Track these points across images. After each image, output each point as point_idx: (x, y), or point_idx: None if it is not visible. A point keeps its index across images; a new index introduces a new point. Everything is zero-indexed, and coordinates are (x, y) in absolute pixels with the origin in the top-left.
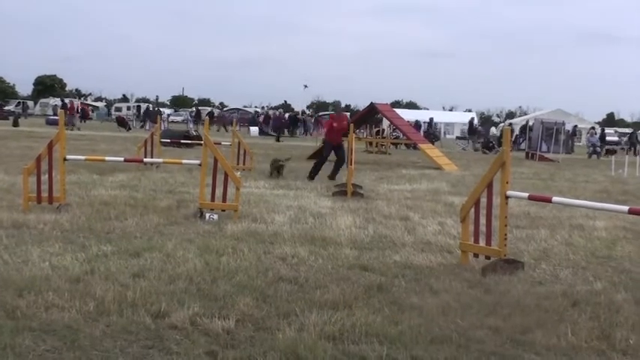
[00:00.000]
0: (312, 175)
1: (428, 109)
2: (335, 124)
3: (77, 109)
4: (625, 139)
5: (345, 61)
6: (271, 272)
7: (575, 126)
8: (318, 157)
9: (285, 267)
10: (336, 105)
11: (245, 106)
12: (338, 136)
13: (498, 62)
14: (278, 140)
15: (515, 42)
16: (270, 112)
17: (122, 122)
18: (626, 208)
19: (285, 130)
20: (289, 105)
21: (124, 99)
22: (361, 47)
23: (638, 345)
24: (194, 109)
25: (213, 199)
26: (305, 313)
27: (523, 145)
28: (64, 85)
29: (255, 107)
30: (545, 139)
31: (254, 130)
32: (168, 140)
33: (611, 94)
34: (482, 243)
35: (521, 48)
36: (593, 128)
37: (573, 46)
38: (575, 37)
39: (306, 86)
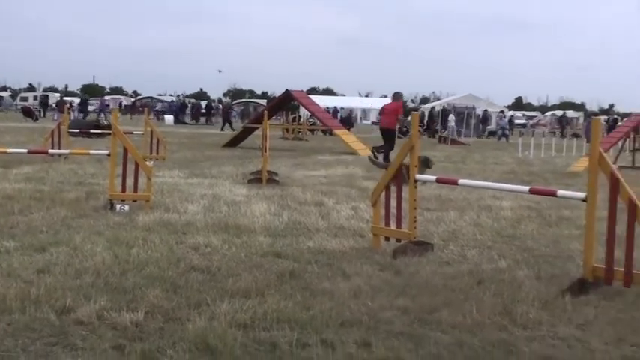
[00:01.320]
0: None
1: (345, 96)
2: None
3: None
4: (532, 121)
5: (262, 48)
6: (183, 262)
7: (486, 110)
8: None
9: (197, 256)
10: (396, 94)
11: (159, 94)
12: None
13: (413, 48)
14: (233, 129)
15: (429, 28)
16: (189, 101)
17: (29, 113)
18: (526, 188)
19: (203, 119)
20: (205, 93)
21: (31, 88)
22: (277, 34)
23: (537, 318)
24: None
25: (124, 190)
26: (216, 302)
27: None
28: None
29: (170, 95)
30: (457, 123)
31: (169, 118)
32: (77, 130)
33: (519, 79)
34: (393, 226)
35: (435, 34)
36: (502, 112)
37: (483, 32)
38: (484, 23)
39: (220, 71)
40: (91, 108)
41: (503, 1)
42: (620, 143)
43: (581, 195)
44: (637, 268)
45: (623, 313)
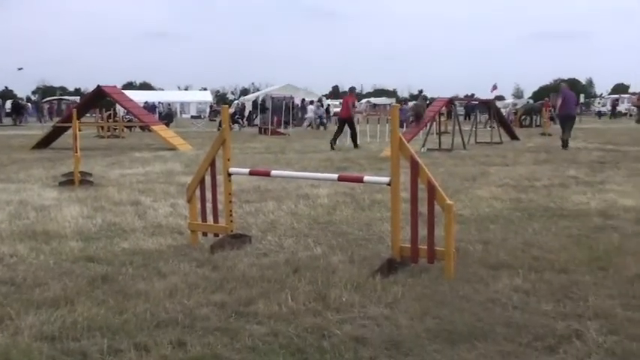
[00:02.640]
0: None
1: (163, 90)
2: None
3: None
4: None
5: (71, 42)
6: None
7: (303, 99)
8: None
9: (0, 268)
10: (351, 89)
11: None
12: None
13: (229, 40)
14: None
15: (244, 20)
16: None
17: None
18: (335, 175)
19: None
20: (11, 91)
21: None
22: (88, 27)
23: (349, 301)
24: None
25: None
26: (21, 316)
27: (256, 121)
28: None
29: None
30: (277, 113)
31: None
32: None
33: (335, 68)
34: (210, 221)
35: (251, 25)
36: (319, 101)
37: (299, 22)
38: (299, 14)
39: (20, 68)
40: None
41: None
42: (428, 126)
43: (386, 179)
44: (439, 245)
45: (428, 288)
